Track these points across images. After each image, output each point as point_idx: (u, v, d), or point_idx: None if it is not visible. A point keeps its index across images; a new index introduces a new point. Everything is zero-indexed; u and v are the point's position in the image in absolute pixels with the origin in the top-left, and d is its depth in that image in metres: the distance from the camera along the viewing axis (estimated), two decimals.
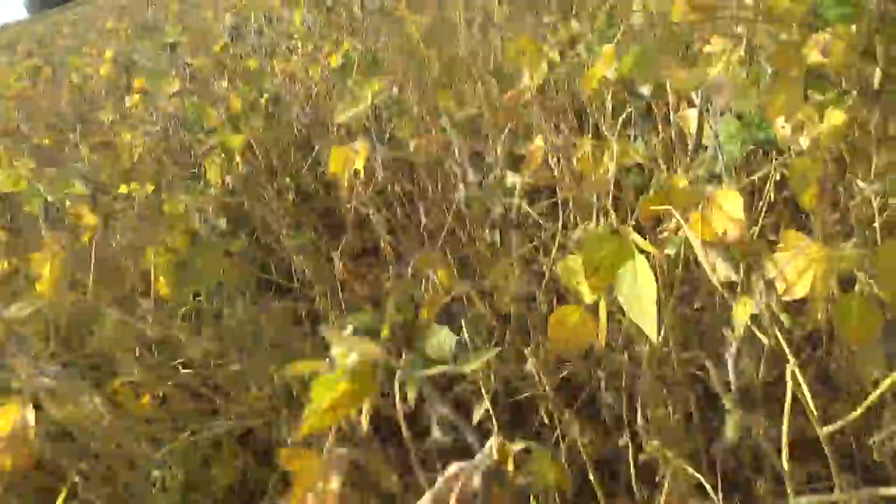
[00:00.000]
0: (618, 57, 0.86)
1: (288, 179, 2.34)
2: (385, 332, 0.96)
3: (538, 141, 0.89)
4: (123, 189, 2.44)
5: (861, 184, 0.96)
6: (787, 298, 0.57)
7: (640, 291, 0.59)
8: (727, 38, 1.01)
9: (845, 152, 0.96)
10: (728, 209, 0.57)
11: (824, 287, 0.57)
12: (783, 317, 0.59)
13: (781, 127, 0.71)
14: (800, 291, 0.56)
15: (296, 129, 2.50)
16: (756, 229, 0.85)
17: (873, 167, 0.82)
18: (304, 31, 2.51)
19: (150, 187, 2.31)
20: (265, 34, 2.60)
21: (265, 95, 2.58)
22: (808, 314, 0.59)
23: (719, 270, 0.57)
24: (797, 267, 0.55)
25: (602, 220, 0.89)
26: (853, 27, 0.75)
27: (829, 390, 1.20)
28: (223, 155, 1.38)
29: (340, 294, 1.55)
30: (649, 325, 0.59)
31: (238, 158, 1.51)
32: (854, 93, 0.75)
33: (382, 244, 1.22)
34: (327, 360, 0.45)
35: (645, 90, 0.91)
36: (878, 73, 0.75)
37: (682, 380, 0.92)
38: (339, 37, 2.38)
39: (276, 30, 2.57)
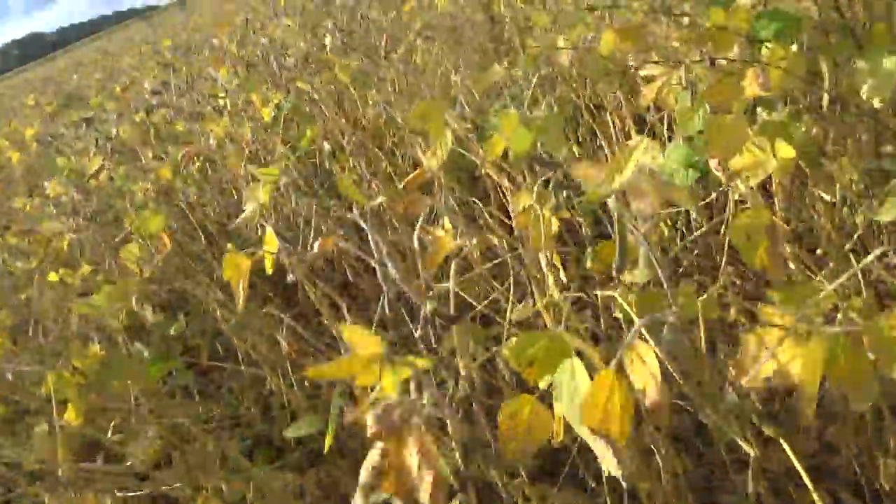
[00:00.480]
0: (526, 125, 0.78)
1: (230, 245, 2.22)
2: (329, 442, 0.85)
3: (446, 224, 0.79)
4: (53, 277, 2.27)
5: (824, 195, 0.90)
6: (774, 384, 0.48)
7: (579, 397, 0.49)
8: (663, 65, 0.95)
9: (804, 165, 0.91)
10: (649, 364, 0.47)
11: (814, 380, 0.48)
12: (766, 428, 0.50)
13: (716, 170, 0.63)
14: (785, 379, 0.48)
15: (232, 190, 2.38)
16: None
17: (837, 187, 0.76)
18: (230, 88, 2.41)
19: (86, 268, 2.16)
20: (188, 97, 2.49)
21: (199, 160, 2.46)
22: (798, 411, 0.50)
23: (609, 463, 0.47)
24: (778, 353, 0.47)
25: (550, 277, 0.80)
26: (793, 47, 0.69)
27: (824, 413, 1.13)
28: (141, 240, 1.26)
29: (290, 372, 1.43)
30: (593, 437, 0.50)
31: (165, 239, 1.39)
32: (805, 117, 0.69)
33: (326, 320, 1.11)
34: None
35: (559, 157, 0.83)
36: (825, 96, 0.69)
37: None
38: (266, 91, 2.29)
39: (200, 90, 2.47)
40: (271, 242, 0.82)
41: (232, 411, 1.54)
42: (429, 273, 0.77)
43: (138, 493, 0.99)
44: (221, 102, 2.58)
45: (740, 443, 0.49)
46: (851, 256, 0.75)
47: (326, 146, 1.69)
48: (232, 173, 2.27)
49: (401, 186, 0.89)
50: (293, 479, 1.16)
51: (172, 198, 2.24)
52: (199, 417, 1.51)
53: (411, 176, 0.87)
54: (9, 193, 2.58)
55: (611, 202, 0.54)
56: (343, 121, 2.06)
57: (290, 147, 2.30)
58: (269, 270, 0.84)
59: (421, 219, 0.82)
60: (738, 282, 1.24)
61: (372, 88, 2.26)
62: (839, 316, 0.66)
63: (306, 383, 1.47)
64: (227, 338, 1.85)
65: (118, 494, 1.05)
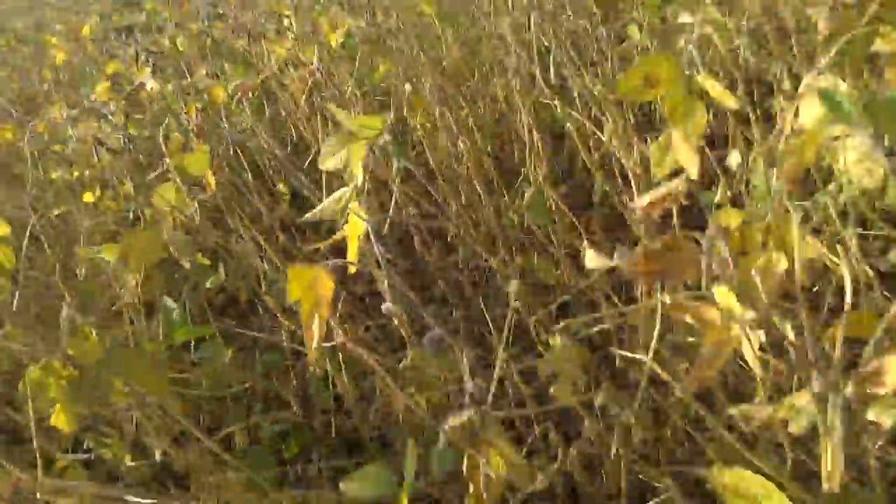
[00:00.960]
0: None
1: (282, 185, 1.98)
2: None
3: (723, 297, 0.46)
4: (89, 197, 2.08)
5: None
6: None
7: None
8: None
9: None
10: None
11: None
12: None
13: None
14: None
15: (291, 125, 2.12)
16: None
17: None
18: (297, 5, 2.13)
19: (127, 186, 1.97)
20: (249, 12, 2.22)
21: (258, 82, 2.21)
22: None
23: None
24: None
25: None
26: None
27: None
28: (180, 181, 1.03)
29: (341, 358, 1.21)
30: None
31: (210, 179, 1.15)
32: None
33: (397, 323, 0.86)
34: None
35: None
36: None
37: None
38: (336, 14, 2.00)
39: (261, 7, 2.19)
40: (355, 234, 0.57)
41: (266, 386, 1.33)
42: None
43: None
44: (286, 22, 2.30)
45: None
46: None
47: (408, 87, 1.41)
48: (292, 104, 2.00)
49: (633, 213, 0.59)
50: (333, 499, 0.94)
51: (222, 129, 2.00)
52: (230, 388, 1.30)
53: (653, 199, 0.56)
54: (52, 98, 2.38)
55: None
56: (423, 58, 1.77)
57: (357, 81, 2.03)
58: (353, 270, 0.59)
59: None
60: None
61: (459, 25, 1.95)
62: None
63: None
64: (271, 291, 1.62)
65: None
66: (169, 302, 1.24)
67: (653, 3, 1.71)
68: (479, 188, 1.54)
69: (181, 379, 1.20)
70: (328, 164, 0.70)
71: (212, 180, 1.16)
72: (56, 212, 2.02)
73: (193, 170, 1.04)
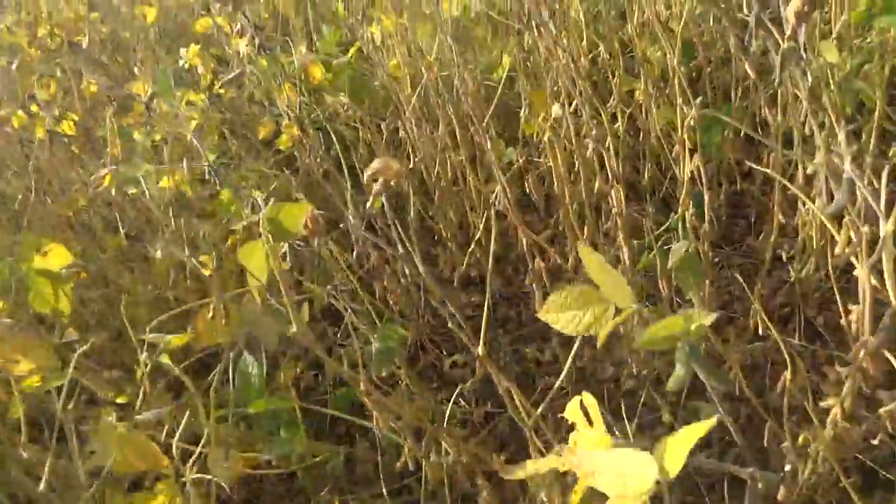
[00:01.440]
0: None
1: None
2: None
3: None
4: (165, 183, 1.89)
5: None
6: None
7: None
8: None
9: None
10: None
11: None
12: None
13: None
14: None
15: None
16: None
17: None
18: None
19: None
20: None
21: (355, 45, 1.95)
22: None
23: None
24: None
25: None
26: None
27: None
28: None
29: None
30: None
31: (309, 227, 0.92)
32: None
33: None
34: None
35: None
36: None
37: None
38: None
39: None
40: None
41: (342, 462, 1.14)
42: None
43: None
44: None
45: None
46: None
47: (556, 109, 1.10)
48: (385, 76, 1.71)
49: None
50: None
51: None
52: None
53: None
54: (134, 64, 2.18)
55: None
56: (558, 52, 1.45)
57: (473, 73, 1.74)
58: None
59: None
60: None
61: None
62: None
63: None
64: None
65: None
66: (247, 360, 1.05)
67: None
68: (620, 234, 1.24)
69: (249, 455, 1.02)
70: (555, 319, 0.51)
71: (311, 226, 0.93)
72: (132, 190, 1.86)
73: (289, 225, 0.82)
